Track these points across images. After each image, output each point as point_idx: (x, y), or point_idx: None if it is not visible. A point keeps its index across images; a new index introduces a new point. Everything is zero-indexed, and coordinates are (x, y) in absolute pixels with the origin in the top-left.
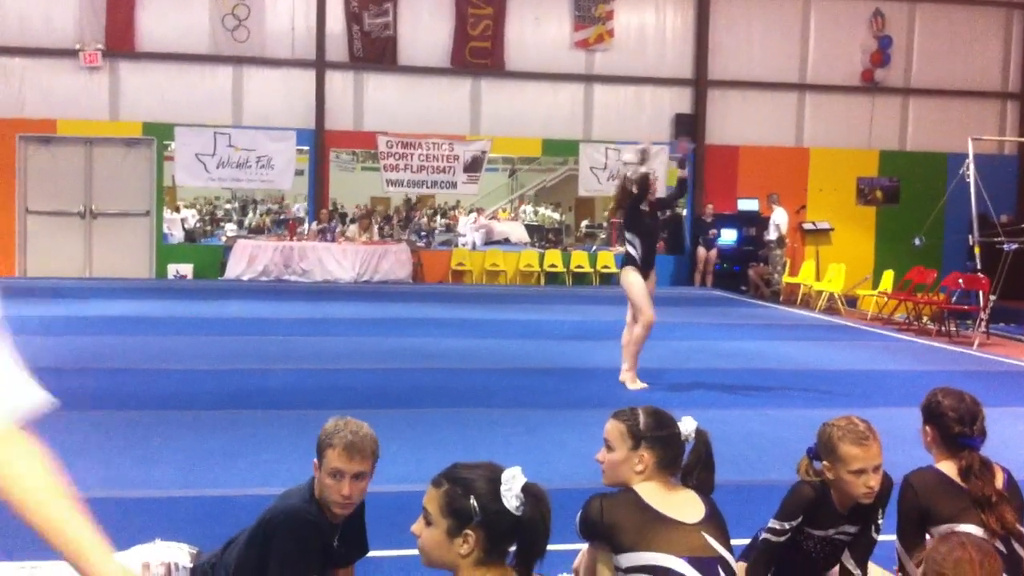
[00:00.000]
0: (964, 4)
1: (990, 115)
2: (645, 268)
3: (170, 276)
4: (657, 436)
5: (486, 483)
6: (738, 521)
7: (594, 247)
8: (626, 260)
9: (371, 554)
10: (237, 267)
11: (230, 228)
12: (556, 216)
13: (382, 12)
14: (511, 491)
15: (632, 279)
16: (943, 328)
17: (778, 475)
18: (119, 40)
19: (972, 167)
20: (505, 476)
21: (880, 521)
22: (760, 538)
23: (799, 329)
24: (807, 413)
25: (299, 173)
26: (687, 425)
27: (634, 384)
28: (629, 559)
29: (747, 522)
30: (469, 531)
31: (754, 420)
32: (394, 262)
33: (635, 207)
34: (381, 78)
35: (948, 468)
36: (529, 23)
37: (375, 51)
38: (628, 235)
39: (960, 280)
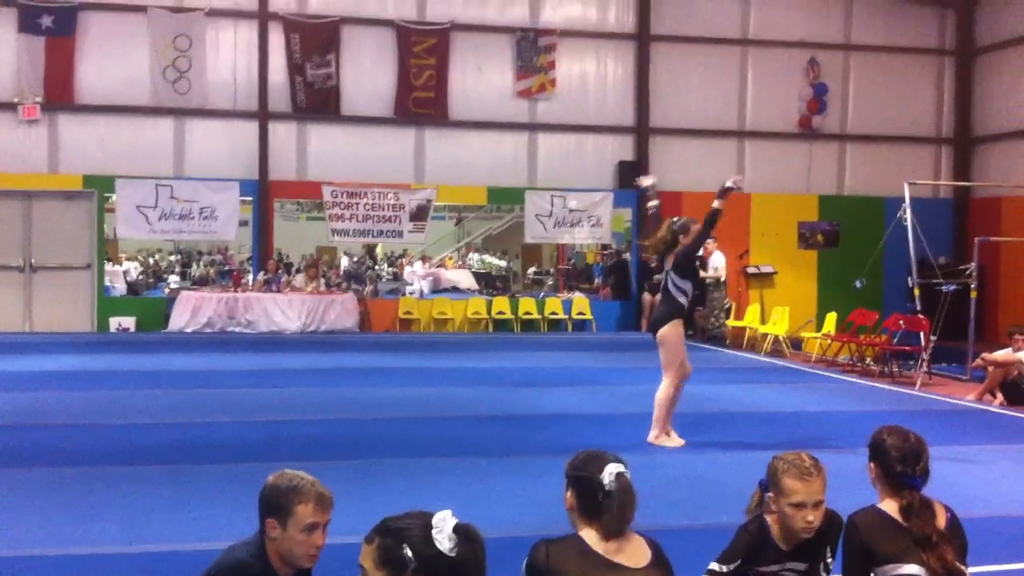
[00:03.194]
0: (897, 52)
1: (925, 159)
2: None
3: (112, 329)
4: (575, 477)
5: (418, 530)
6: (686, 566)
7: (542, 294)
8: (673, 312)
9: None
10: (181, 319)
11: (173, 280)
12: (503, 263)
13: (324, 63)
14: (443, 533)
15: (679, 333)
16: (886, 369)
17: (726, 518)
18: (58, 92)
19: (909, 211)
20: (436, 520)
21: (829, 560)
22: None
23: (745, 372)
24: (754, 456)
25: (243, 224)
26: (610, 469)
27: (672, 441)
28: None
29: (694, 567)
30: None
31: (701, 463)
32: (341, 311)
33: (691, 254)
34: (325, 128)
35: (891, 507)
36: (472, 73)
37: (318, 101)
38: (680, 282)
39: (901, 321)
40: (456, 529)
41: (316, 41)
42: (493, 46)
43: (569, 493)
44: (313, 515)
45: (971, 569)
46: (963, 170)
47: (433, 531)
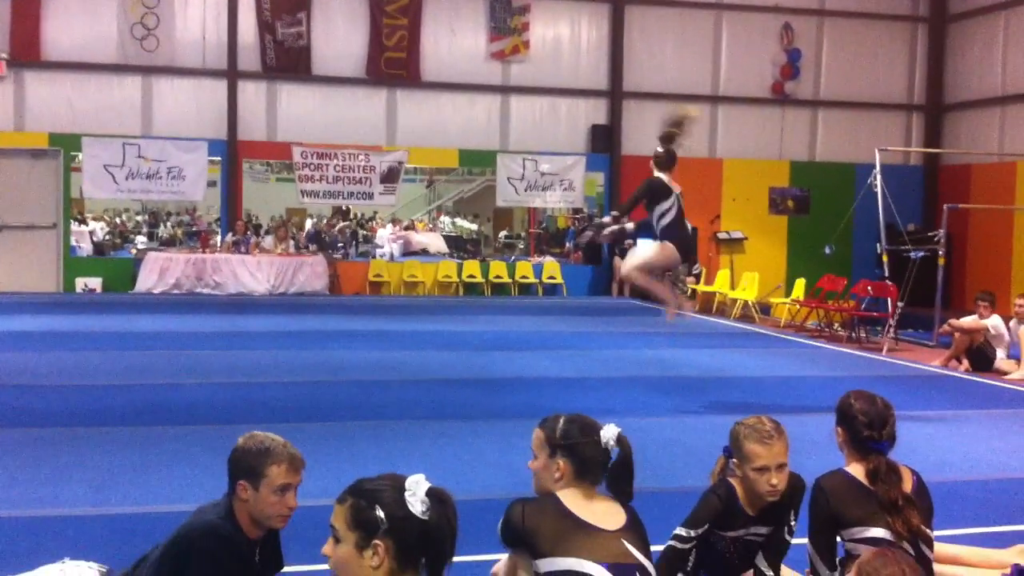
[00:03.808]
0: (870, 18)
1: (896, 126)
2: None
3: (78, 290)
4: (571, 444)
5: (390, 492)
6: (657, 529)
7: (512, 257)
8: (665, 231)
9: (286, 569)
10: (148, 280)
11: (140, 240)
12: (474, 227)
13: (295, 22)
14: (415, 496)
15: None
16: (853, 334)
17: (694, 482)
18: (24, 49)
19: (879, 177)
20: (409, 483)
21: (792, 523)
22: (667, 545)
23: (715, 337)
24: (722, 420)
25: (212, 184)
26: (608, 432)
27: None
28: (548, 564)
29: (665, 530)
30: (378, 541)
31: (671, 428)
32: (310, 274)
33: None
34: (295, 88)
35: (857, 471)
36: (444, 34)
37: (288, 61)
38: (663, 204)
39: (869, 288)
40: (429, 493)
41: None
42: (466, 7)
43: (564, 460)
44: (286, 476)
45: (937, 532)
46: (934, 137)
47: (406, 494)
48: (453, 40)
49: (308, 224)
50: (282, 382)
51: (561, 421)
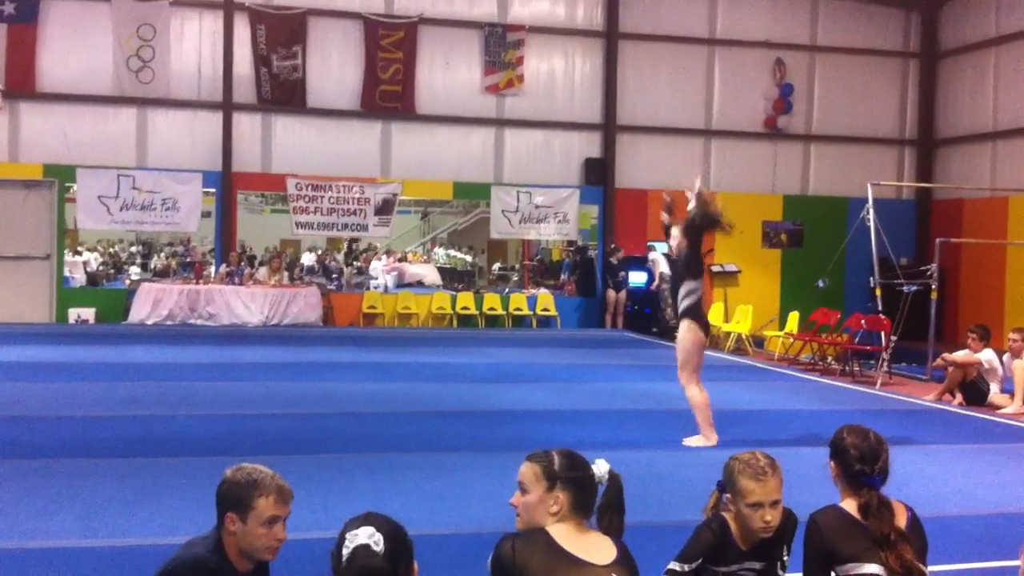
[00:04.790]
0: (862, 54)
1: (888, 161)
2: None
3: (71, 321)
4: (571, 477)
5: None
6: (648, 563)
7: (507, 290)
8: (689, 311)
9: None
10: (141, 311)
11: (134, 271)
12: (468, 259)
13: (291, 55)
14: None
15: (692, 336)
16: (847, 368)
17: (689, 515)
18: (19, 81)
19: (872, 211)
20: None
21: (785, 558)
22: None
23: (708, 370)
24: (716, 453)
25: (206, 215)
26: (600, 467)
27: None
28: None
29: (657, 563)
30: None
31: (663, 461)
32: (304, 305)
33: (697, 248)
34: (290, 120)
35: (851, 506)
36: (439, 67)
37: (284, 93)
38: (691, 284)
39: (863, 321)
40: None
41: (282, 32)
42: (461, 41)
43: (563, 494)
44: (274, 508)
45: (931, 568)
46: (926, 172)
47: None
48: (448, 73)
49: (306, 257)
50: (274, 414)
51: (556, 454)
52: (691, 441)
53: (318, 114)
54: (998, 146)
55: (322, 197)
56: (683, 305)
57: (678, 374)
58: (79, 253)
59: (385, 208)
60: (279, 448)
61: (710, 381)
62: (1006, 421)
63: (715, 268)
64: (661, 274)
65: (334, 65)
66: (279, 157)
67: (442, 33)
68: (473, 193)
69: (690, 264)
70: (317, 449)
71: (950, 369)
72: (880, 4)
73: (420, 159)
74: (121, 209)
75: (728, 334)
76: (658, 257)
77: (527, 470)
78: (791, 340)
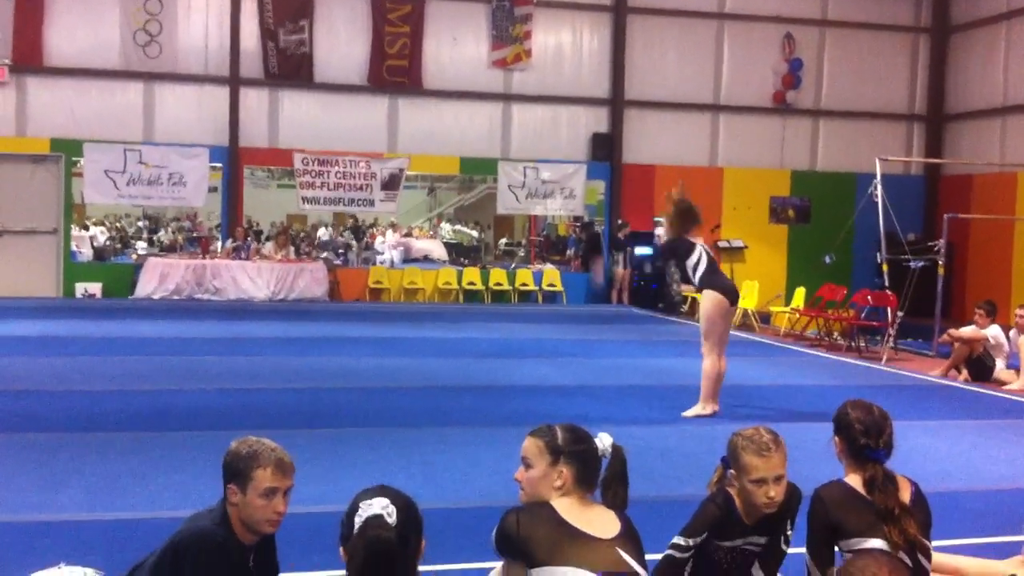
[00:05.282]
0: (872, 28)
1: (897, 136)
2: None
3: (78, 295)
4: (575, 451)
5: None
6: (653, 537)
7: (513, 265)
8: (705, 282)
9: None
10: (148, 286)
11: (141, 246)
12: (475, 234)
13: (298, 29)
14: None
15: (713, 305)
16: (853, 344)
17: (693, 490)
18: (26, 55)
19: (880, 187)
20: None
21: (789, 532)
22: (665, 554)
23: None
24: (722, 428)
25: (213, 190)
26: (604, 441)
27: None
28: (543, 573)
29: (662, 537)
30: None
31: (671, 436)
32: (310, 280)
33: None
34: (297, 95)
35: (856, 481)
36: (447, 42)
37: (290, 68)
38: (691, 258)
39: (869, 297)
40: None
41: (290, 7)
42: (469, 15)
43: (567, 468)
44: (272, 480)
45: (936, 543)
46: (935, 147)
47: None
48: (455, 48)
49: (322, 232)
50: (281, 388)
51: (559, 429)
52: (689, 412)
53: (325, 89)
54: (1008, 121)
55: (329, 172)
56: (697, 278)
57: (702, 342)
58: (86, 228)
59: (392, 183)
60: (286, 422)
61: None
62: (1012, 397)
63: (722, 244)
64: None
65: (341, 39)
66: (286, 132)
67: (450, 7)
68: (480, 168)
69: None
70: (324, 423)
71: (956, 345)
72: None
73: (427, 134)
74: (128, 184)
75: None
76: (661, 233)
77: (531, 445)
78: (797, 316)
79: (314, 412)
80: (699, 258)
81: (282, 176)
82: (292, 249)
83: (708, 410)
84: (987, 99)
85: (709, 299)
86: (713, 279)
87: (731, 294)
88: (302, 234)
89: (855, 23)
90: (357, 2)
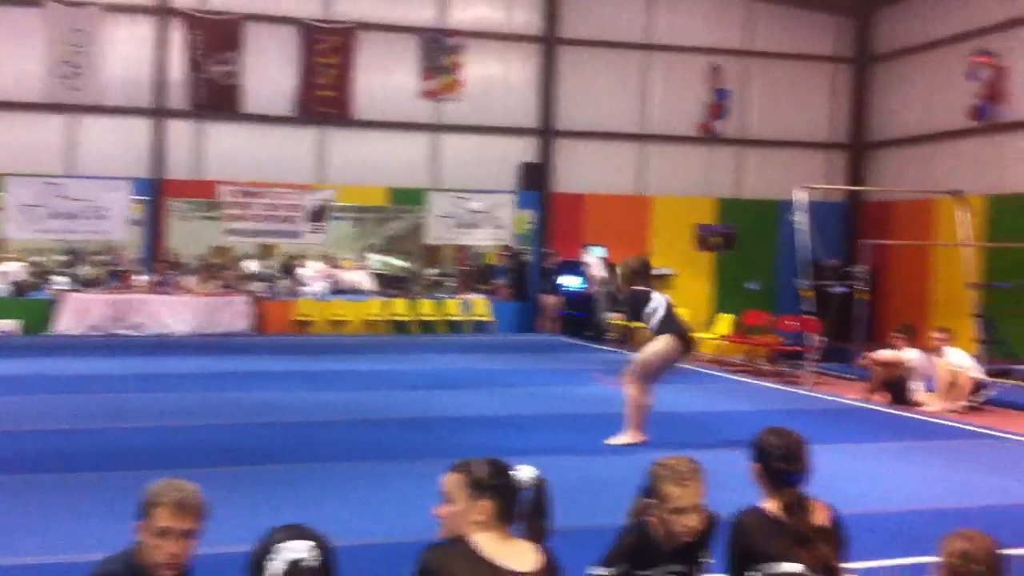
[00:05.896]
0: (796, 59)
1: (821, 164)
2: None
3: None
4: (496, 485)
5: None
6: (578, 568)
7: (442, 295)
8: (663, 326)
9: None
10: (67, 321)
11: (61, 280)
12: (404, 264)
13: (225, 60)
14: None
15: (657, 349)
16: (777, 369)
17: (616, 519)
18: None
19: (802, 214)
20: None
21: (708, 560)
22: None
23: None
24: (647, 456)
25: (137, 223)
26: (525, 473)
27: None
28: None
29: (583, 568)
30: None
31: (596, 464)
32: (233, 314)
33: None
34: (224, 126)
35: (772, 506)
36: (377, 72)
37: (218, 99)
38: (650, 304)
39: (792, 322)
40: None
41: (218, 38)
42: (399, 46)
43: (488, 502)
44: (167, 519)
45: (855, 565)
46: (857, 175)
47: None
48: (386, 78)
49: (248, 264)
50: (202, 425)
51: (480, 463)
52: (616, 440)
53: (253, 120)
54: (926, 149)
55: (255, 204)
56: (654, 324)
57: (626, 372)
58: (3, 263)
59: (319, 214)
60: (207, 460)
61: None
62: (928, 419)
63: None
64: (596, 277)
65: (270, 70)
66: (212, 163)
67: (380, 38)
68: (410, 198)
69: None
70: (245, 461)
71: (876, 368)
72: (813, 10)
73: (356, 164)
74: (49, 217)
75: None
76: (594, 260)
77: (451, 480)
78: (723, 342)
79: (235, 449)
80: (656, 307)
81: (206, 208)
82: (215, 282)
83: (636, 439)
84: (906, 127)
85: (665, 341)
86: (671, 324)
87: (687, 340)
88: (225, 268)
89: (779, 53)
90: (286, 33)
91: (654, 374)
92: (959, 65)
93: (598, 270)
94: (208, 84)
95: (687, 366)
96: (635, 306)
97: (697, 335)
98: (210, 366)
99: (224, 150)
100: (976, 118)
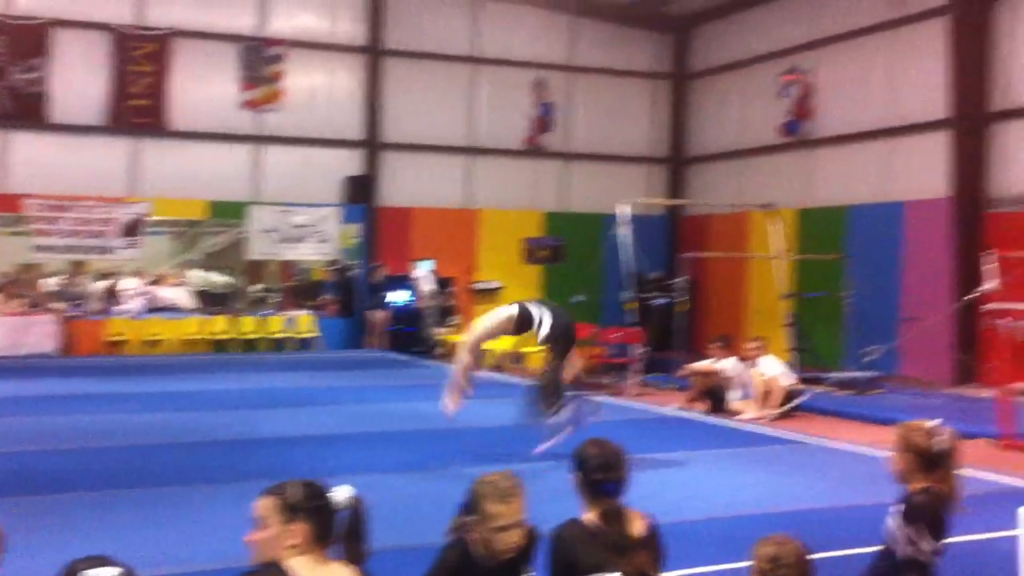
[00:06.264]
0: (617, 75)
1: (642, 178)
2: None
3: None
4: (311, 507)
5: None
6: None
7: (265, 312)
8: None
9: None
10: None
11: None
12: (226, 280)
13: (31, 67)
14: None
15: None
16: (602, 380)
17: (436, 537)
18: None
19: (621, 228)
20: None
21: (528, 574)
22: None
23: None
24: (470, 471)
25: None
26: (341, 494)
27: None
28: None
29: None
30: None
31: (422, 481)
32: (40, 334)
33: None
34: (30, 136)
35: (592, 517)
36: (194, 82)
37: (23, 108)
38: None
39: (616, 334)
40: None
41: (23, 44)
42: (218, 54)
43: (302, 526)
44: None
45: (674, 572)
46: (676, 189)
47: None
48: (204, 88)
49: (47, 282)
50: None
51: (294, 485)
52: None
53: (61, 130)
54: (741, 164)
55: (64, 218)
56: (541, 336)
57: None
58: None
59: (133, 229)
60: (5, 489)
61: (470, 399)
62: (744, 427)
63: (478, 285)
64: (426, 292)
65: (80, 78)
66: (17, 176)
67: (197, 46)
68: (230, 212)
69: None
70: (45, 489)
71: (695, 378)
72: (634, 27)
73: (174, 177)
74: None
75: (489, 351)
76: (423, 274)
77: (265, 504)
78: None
79: (34, 477)
80: (540, 320)
81: (13, 222)
82: (21, 301)
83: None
84: (722, 143)
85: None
86: (556, 330)
87: (567, 336)
88: (32, 286)
89: (602, 69)
90: (98, 40)
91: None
92: (771, 83)
93: (428, 284)
94: (11, 92)
95: (514, 379)
96: (527, 326)
97: (525, 349)
98: (14, 390)
99: (30, 161)
100: (786, 134)
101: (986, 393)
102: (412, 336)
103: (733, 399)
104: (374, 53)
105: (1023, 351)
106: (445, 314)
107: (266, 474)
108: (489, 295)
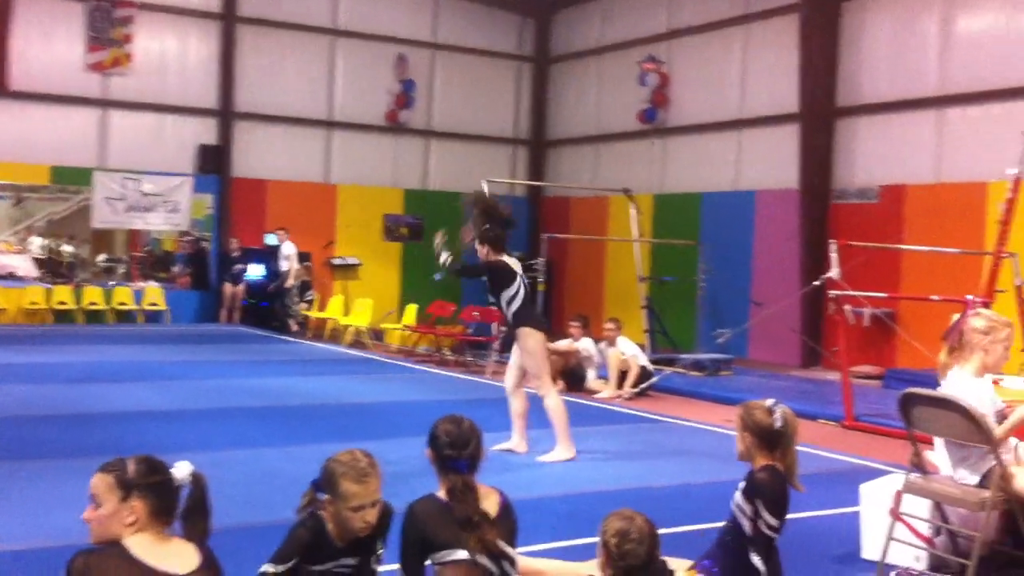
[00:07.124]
0: (480, 55)
1: (504, 159)
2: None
3: None
4: (148, 484)
5: None
6: (251, 564)
7: (112, 283)
8: (520, 318)
9: None
10: None
11: None
12: (69, 249)
13: None
14: None
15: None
16: (461, 359)
17: (287, 515)
18: None
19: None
20: None
21: (380, 551)
22: None
23: (326, 364)
24: (328, 447)
25: None
26: (181, 470)
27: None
28: None
29: (258, 566)
30: None
31: (275, 458)
32: None
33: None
34: None
35: (444, 493)
36: (37, 40)
37: None
38: (507, 291)
39: (476, 313)
40: None
41: None
42: (63, 13)
43: (139, 503)
44: None
45: (525, 548)
46: (538, 170)
47: None
48: (47, 48)
49: None
50: None
51: (131, 462)
52: (549, 457)
53: None
54: (600, 148)
55: None
56: (510, 313)
57: (534, 385)
58: None
59: None
60: None
61: (327, 375)
62: (600, 405)
63: (336, 261)
64: (293, 269)
65: None
66: None
67: (41, 5)
68: (74, 178)
69: (492, 278)
70: None
71: (553, 357)
72: (498, 8)
73: (13, 140)
74: None
75: (347, 327)
76: (292, 251)
77: (99, 481)
78: (409, 332)
79: None
80: (517, 291)
81: None
82: None
83: (572, 453)
84: (583, 127)
85: (531, 337)
86: (529, 313)
87: (544, 327)
88: None
89: (465, 48)
90: None
91: (548, 369)
92: (631, 70)
93: (295, 261)
94: None
95: (374, 356)
96: (494, 284)
97: (385, 326)
98: None
99: None
100: (644, 121)
101: (831, 376)
102: (267, 311)
103: (590, 378)
104: (229, 19)
105: (864, 336)
106: (303, 289)
107: (110, 449)
108: (347, 271)
